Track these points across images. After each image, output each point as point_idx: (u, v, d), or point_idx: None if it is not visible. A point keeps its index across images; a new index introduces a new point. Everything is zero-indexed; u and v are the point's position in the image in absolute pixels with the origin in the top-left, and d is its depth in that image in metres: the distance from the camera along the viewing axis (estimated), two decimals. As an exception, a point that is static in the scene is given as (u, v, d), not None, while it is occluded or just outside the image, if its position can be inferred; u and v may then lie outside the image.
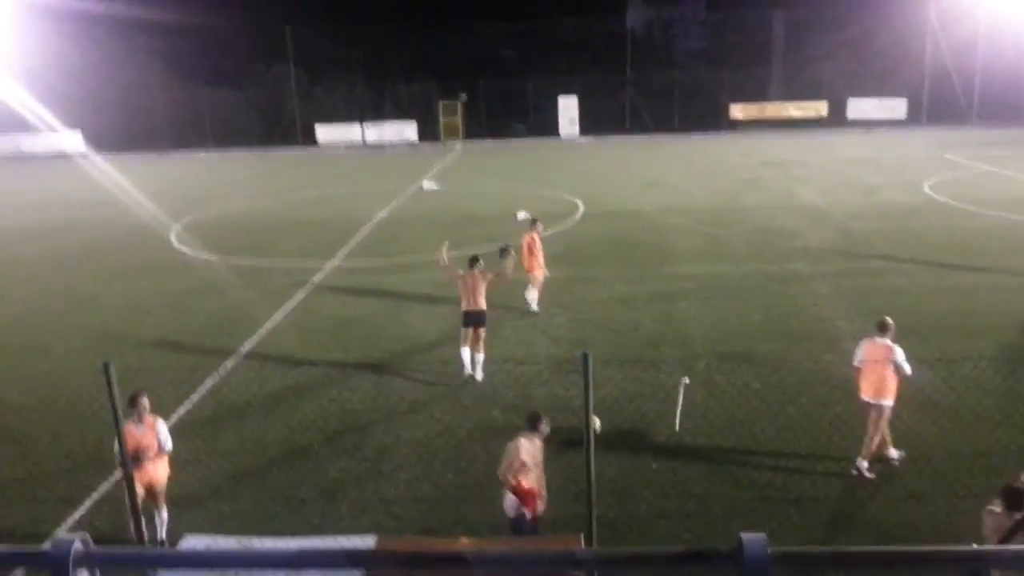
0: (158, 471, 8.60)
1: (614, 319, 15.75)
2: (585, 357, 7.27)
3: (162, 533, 8.74)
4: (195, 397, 12.69)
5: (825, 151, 40.49)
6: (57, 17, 46.91)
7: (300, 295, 18.16)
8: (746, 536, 2.29)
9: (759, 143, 45.20)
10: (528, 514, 7.82)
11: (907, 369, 9.54)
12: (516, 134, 54.13)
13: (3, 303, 18.64)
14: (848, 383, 11.87)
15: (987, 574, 2.48)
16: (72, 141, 51.27)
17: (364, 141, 53.67)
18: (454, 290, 13.89)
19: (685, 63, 57.05)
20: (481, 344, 13.02)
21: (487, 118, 54.73)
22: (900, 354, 9.52)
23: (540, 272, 16.12)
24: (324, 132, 54.05)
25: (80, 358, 14.35)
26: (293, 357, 14.29)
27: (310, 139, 53.88)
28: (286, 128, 54.91)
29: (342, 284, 19.05)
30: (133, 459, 7.91)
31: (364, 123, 54.35)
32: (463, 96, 54.60)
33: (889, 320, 9.82)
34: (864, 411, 9.79)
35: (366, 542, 7.95)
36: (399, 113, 55.25)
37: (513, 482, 7.79)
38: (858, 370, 9.85)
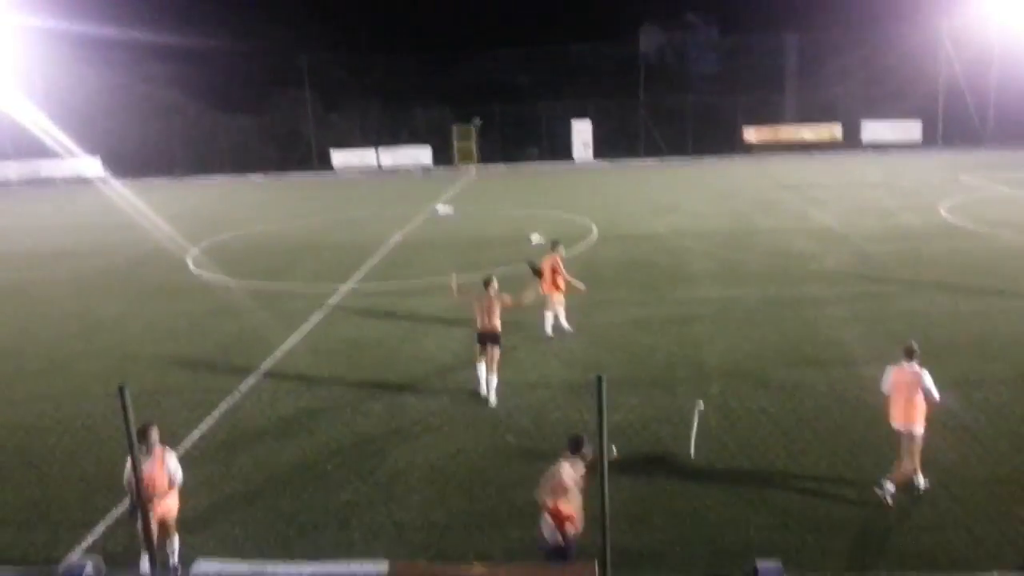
0: (168, 503, 8.59)
1: (629, 343, 15.70)
2: (599, 380, 7.23)
3: (174, 560, 8.73)
4: (210, 420, 12.72)
5: (840, 174, 40.40)
6: (76, 44, 47.71)
7: (315, 318, 18.23)
8: (761, 563, 2.28)
9: (773, 166, 45.16)
10: (562, 538, 7.73)
11: (935, 395, 9.45)
12: (530, 158, 54.35)
13: (21, 326, 18.81)
14: (864, 407, 11.80)
15: None
16: (91, 166, 51.92)
17: (379, 166, 54.05)
18: (468, 313, 13.91)
19: (698, 87, 57.14)
20: (495, 366, 13.01)
21: (501, 143, 55.02)
22: (928, 379, 9.44)
23: (560, 295, 16.15)
24: (339, 157, 54.48)
25: (97, 381, 14.44)
26: (308, 380, 14.32)
27: (326, 164, 54.32)
28: (302, 153, 55.40)
29: (357, 307, 19.11)
30: (139, 496, 7.91)
31: (379, 148, 54.77)
32: (477, 121, 54.94)
33: (915, 345, 9.72)
34: (895, 437, 9.67)
35: (379, 567, 7.92)
36: (414, 138, 55.63)
37: (551, 505, 7.71)
38: (887, 397, 9.75)
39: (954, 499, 9.49)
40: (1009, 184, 33.70)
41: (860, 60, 49.31)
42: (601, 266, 22.08)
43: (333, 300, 19.77)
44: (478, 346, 13.17)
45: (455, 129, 54.87)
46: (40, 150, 50.44)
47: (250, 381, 14.40)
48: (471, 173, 49.80)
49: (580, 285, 16.28)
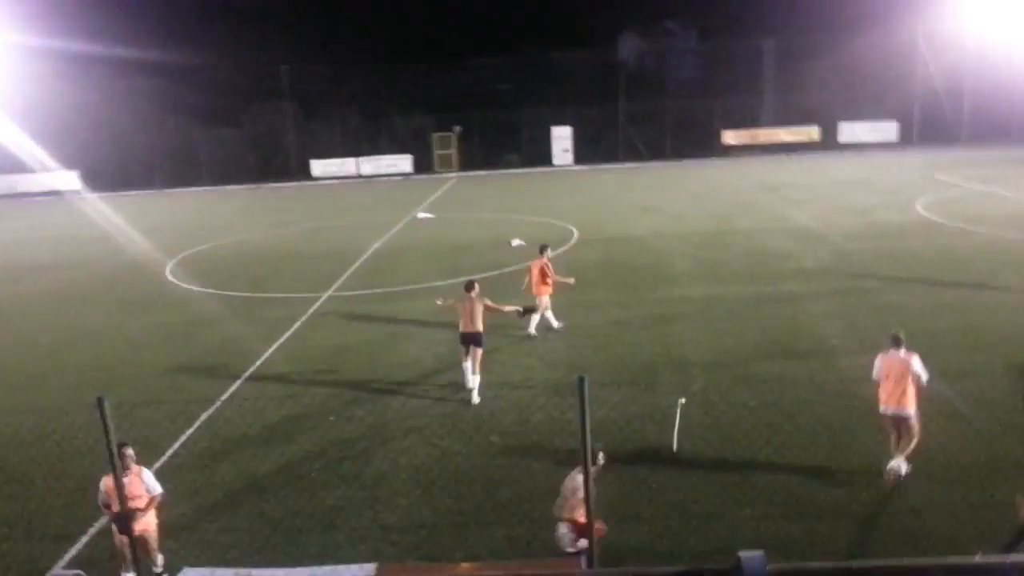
0: (147, 520, 8.49)
1: (611, 342, 15.76)
2: (581, 380, 7.27)
3: (158, 568, 8.65)
4: (192, 429, 12.63)
5: (818, 174, 40.74)
6: (56, 60, 47.40)
7: (296, 326, 18.16)
8: (744, 554, 2.30)
9: (752, 168, 45.48)
10: (585, 544, 7.78)
11: (924, 378, 9.79)
12: (510, 165, 54.48)
13: (1, 339, 18.62)
14: (844, 399, 11.91)
15: None
16: (69, 180, 51.52)
17: (359, 174, 53.99)
18: (449, 317, 14.03)
19: (677, 92, 57.43)
20: (477, 366, 13.23)
21: (482, 149, 55.14)
22: (918, 363, 9.80)
23: (548, 297, 16.36)
24: (320, 166, 54.40)
25: (77, 393, 14.30)
26: (290, 387, 14.26)
27: (306, 173, 54.19)
28: (282, 163, 55.24)
29: (339, 314, 19.06)
30: (120, 512, 7.86)
31: (360, 156, 54.73)
32: (457, 128, 55.02)
33: (901, 333, 10.09)
34: (881, 424, 9.98)
35: (366, 571, 7.90)
36: (394, 146, 55.65)
37: (568, 517, 7.77)
38: (877, 384, 9.99)
39: (937, 484, 9.60)
40: (984, 181, 34.11)
41: (837, 63, 49.71)
42: (583, 268, 22.11)
43: (315, 308, 19.70)
44: (462, 348, 13.44)
45: (435, 137, 54.92)
46: (17, 165, 50.03)
47: (232, 389, 14.33)
48: (451, 180, 49.81)
49: (570, 280, 16.79)
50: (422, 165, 54.25)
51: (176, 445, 12.04)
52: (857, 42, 48.12)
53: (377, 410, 13.03)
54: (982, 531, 8.44)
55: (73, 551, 9.44)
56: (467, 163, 54.73)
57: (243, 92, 56.01)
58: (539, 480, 10.26)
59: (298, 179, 53.80)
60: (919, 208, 28.59)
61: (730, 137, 53.26)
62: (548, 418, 12.08)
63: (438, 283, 20.92)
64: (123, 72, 51.16)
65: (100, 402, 7.35)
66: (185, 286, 23.03)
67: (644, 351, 15.13)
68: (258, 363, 15.71)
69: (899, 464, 9.59)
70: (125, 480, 8.21)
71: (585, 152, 53.34)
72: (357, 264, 24.68)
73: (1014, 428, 10.73)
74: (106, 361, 16.60)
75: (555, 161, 53.56)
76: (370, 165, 54.36)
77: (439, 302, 14.55)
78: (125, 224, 34.36)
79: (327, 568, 8.24)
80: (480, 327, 13.34)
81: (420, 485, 10.44)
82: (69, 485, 10.75)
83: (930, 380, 9.92)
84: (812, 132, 52.52)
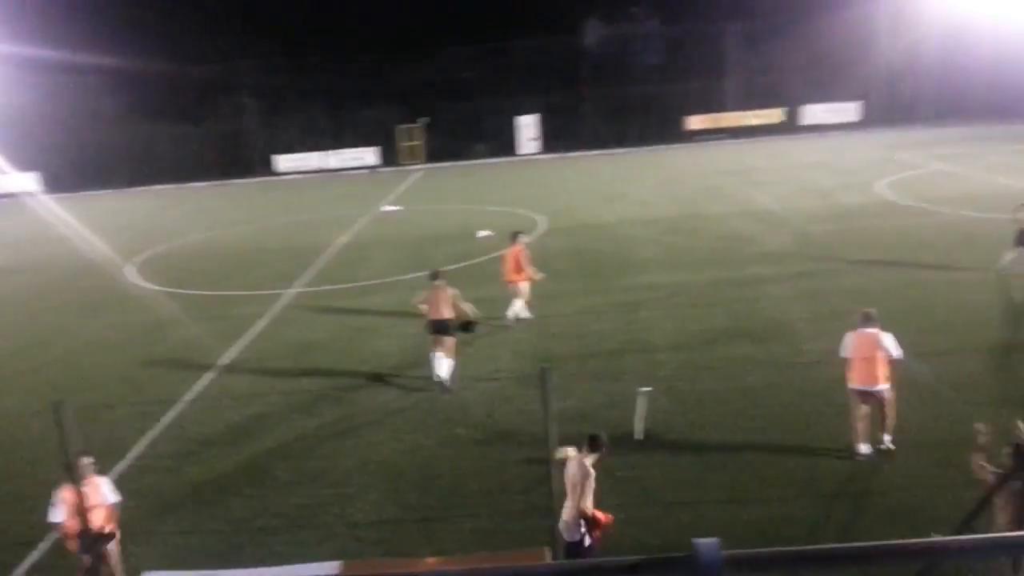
0: (106, 529, 8.32)
1: (579, 331, 15.77)
2: (543, 372, 7.29)
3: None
4: (155, 431, 12.46)
5: (781, 157, 41.06)
6: (7, 63, 46.35)
7: (262, 324, 17.97)
8: (699, 541, 2.30)
9: (717, 152, 45.75)
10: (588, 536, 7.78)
11: (895, 352, 9.91)
12: (477, 155, 54.28)
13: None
14: (809, 380, 12.04)
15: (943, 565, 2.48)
16: (27, 183, 50.51)
17: (324, 168, 53.55)
18: (415, 311, 14.01)
19: (642, 77, 57.52)
20: (450, 352, 13.25)
21: (448, 141, 54.80)
22: (888, 338, 9.93)
23: (526, 284, 16.28)
24: (284, 161, 53.85)
25: (37, 397, 14.03)
26: (257, 385, 14.11)
27: (269, 169, 53.61)
28: (245, 159, 54.57)
29: (305, 310, 18.90)
30: (81, 529, 7.75)
31: (324, 151, 54.25)
32: (423, 120, 54.72)
33: (873, 312, 10.24)
34: (851, 400, 10.08)
35: (330, 568, 7.86)
36: (359, 139, 55.18)
37: (583, 509, 7.75)
38: (847, 362, 10.07)
39: (895, 465, 9.73)
40: (944, 160, 34.57)
41: (800, 45, 50.07)
42: (550, 257, 22.08)
43: (280, 304, 19.51)
44: (431, 337, 13.38)
45: (400, 129, 54.59)
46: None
47: (198, 389, 14.17)
48: (417, 172, 49.59)
49: (539, 275, 16.68)
50: (388, 158, 53.88)
51: (141, 447, 11.87)
52: (820, 23, 48.48)
53: (344, 406, 12.95)
54: (939, 510, 8.59)
55: (35, 556, 9.31)
56: (433, 155, 54.45)
57: (203, 88, 55.21)
58: (506, 472, 10.27)
59: (262, 175, 53.21)
60: (880, 189, 28.91)
61: (695, 122, 53.52)
62: (515, 410, 12.09)
63: (406, 276, 20.82)
64: (80, 71, 50.19)
65: (56, 406, 7.16)
66: (148, 286, 22.69)
67: (612, 339, 15.17)
68: (224, 362, 15.53)
69: (868, 449, 9.75)
70: (84, 490, 8.06)
71: (551, 140, 53.33)
72: (324, 259, 24.48)
73: (978, 406, 10.86)
74: (68, 364, 16.32)
75: (521, 150, 53.50)
76: (335, 159, 53.90)
77: (421, 306, 13.83)
78: (88, 225, 33.76)
79: (291, 567, 8.20)
80: (447, 315, 13.31)
81: (387, 480, 10.40)
82: (28, 491, 10.54)
83: (904, 356, 10.05)
84: (776, 114, 52.92)
